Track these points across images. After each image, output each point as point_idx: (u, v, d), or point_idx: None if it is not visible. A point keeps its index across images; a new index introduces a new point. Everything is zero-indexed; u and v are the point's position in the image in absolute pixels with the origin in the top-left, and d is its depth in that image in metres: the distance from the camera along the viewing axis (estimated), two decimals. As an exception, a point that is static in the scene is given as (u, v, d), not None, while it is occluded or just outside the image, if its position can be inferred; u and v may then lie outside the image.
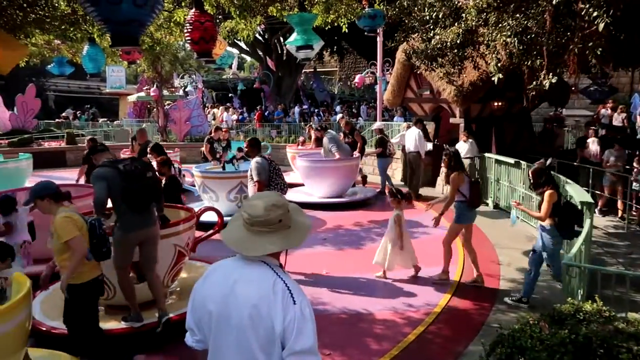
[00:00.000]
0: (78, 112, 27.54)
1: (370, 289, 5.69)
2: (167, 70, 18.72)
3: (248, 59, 43.71)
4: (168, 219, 4.80)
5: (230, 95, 28.75)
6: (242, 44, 25.87)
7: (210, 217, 6.04)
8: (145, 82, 22.11)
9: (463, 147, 10.03)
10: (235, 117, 21.54)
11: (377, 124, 12.55)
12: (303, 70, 29.01)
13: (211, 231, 5.66)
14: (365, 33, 8.87)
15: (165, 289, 4.96)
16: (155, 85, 17.97)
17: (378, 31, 12.30)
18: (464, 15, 6.76)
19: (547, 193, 4.79)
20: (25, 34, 6.31)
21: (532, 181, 5.07)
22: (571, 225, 4.79)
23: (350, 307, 5.15)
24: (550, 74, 5.55)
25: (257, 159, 5.80)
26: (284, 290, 1.80)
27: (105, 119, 26.68)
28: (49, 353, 3.79)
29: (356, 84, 20.04)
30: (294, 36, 7.84)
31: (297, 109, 22.64)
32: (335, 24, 8.89)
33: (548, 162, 5.32)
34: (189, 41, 6.30)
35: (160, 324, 4.30)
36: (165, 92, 19.13)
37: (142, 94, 21.63)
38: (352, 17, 8.61)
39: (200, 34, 6.15)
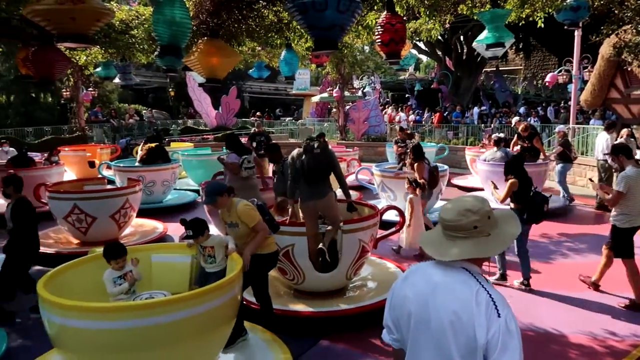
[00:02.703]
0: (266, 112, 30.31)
1: (560, 307, 5.18)
2: (347, 72, 19.53)
3: (424, 59, 43.23)
4: (355, 208, 5.19)
5: (407, 95, 28.81)
6: (421, 44, 25.73)
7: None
8: (328, 83, 23.39)
9: None
10: (412, 117, 21.50)
11: (560, 127, 11.37)
12: (483, 70, 27.64)
13: (392, 229, 5.76)
14: (565, 27, 8.08)
15: (347, 282, 5.22)
16: (337, 87, 18.90)
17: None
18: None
19: (510, 181, 5.46)
20: (238, 42, 7.19)
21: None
22: (533, 213, 5.38)
23: (537, 324, 4.76)
24: None
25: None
26: (488, 301, 1.73)
27: (291, 118, 29.00)
28: (250, 325, 4.25)
29: (547, 83, 18.33)
30: (484, 34, 7.49)
31: (476, 110, 21.68)
32: (530, 19, 8.26)
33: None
34: (379, 43, 6.47)
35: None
36: (346, 93, 19.98)
37: (325, 94, 22.89)
38: (550, 10, 7.92)
39: (391, 36, 6.27)
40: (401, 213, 5.88)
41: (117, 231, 7.22)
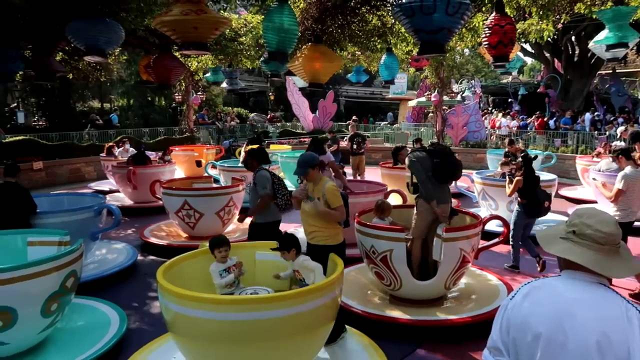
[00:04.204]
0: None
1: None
2: (446, 75, 19.04)
3: (529, 61, 40.86)
4: (456, 212, 5.09)
5: (509, 100, 27.42)
6: (527, 46, 24.36)
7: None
8: (426, 87, 22.97)
9: None
10: (515, 123, 20.41)
11: None
12: (597, 72, 25.48)
13: (496, 240, 5.51)
14: None
15: (446, 291, 5.07)
16: (436, 91, 18.49)
17: None
18: None
19: (516, 178, 6.15)
20: (341, 47, 7.31)
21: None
22: (535, 207, 6.08)
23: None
24: None
25: (262, 171, 5.39)
26: (639, 318, 1.60)
27: (386, 122, 28.85)
28: (347, 328, 4.27)
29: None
30: (603, 34, 6.96)
31: (588, 116, 20.03)
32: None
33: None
34: (486, 46, 6.25)
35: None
36: (444, 97, 19.48)
37: (423, 99, 22.46)
38: (686, 4, 7.14)
39: (499, 38, 6.04)
40: (505, 223, 5.61)
41: (221, 227, 7.63)
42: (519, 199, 6.21)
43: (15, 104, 26.01)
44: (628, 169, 5.71)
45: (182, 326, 3.27)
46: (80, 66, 11.13)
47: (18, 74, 8.73)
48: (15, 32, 7.26)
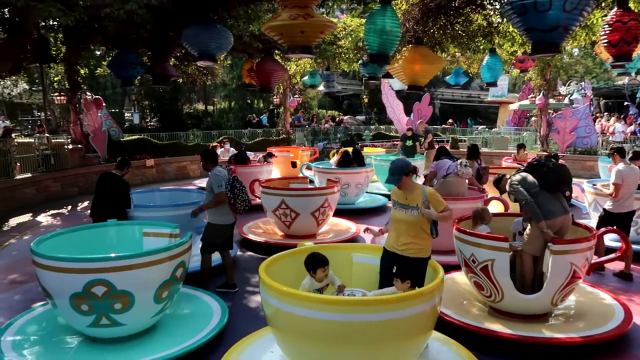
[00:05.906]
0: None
1: None
2: (552, 77, 17.84)
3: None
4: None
5: (625, 103, 25.06)
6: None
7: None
8: (529, 90, 21.70)
9: None
10: (631, 128, 18.63)
11: None
12: None
13: (612, 255, 5.05)
14: None
15: (552, 307, 4.74)
16: (541, 93, 17.40)
17: None
18: None
19: None
20: (442, 49, 7.12)
21: None
22: None
23: None
24: None
25: (216, 170, 5.46)
26: None
27: (484, 127, 27.66)
28: (443, 338, 4.15)
29: None
30: None
31: None
32: None
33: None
34: (605, 44, 5.78)
35: None
36: (551, 101, 18.24)
37: (526, 101, 21.21)
38: None
39: (621, 35, 5.57)
40: (623, 237, 5.10)
41: (315, 227, 7.76)
42: None
43: (132, 106, 28.52)
44: (621, 165, 6.22)
45: (282, 322, 3.36)
46: (190, 71, 11.90)
47: (137, 78, 9.51)
48: (136, 40, 7.96)
